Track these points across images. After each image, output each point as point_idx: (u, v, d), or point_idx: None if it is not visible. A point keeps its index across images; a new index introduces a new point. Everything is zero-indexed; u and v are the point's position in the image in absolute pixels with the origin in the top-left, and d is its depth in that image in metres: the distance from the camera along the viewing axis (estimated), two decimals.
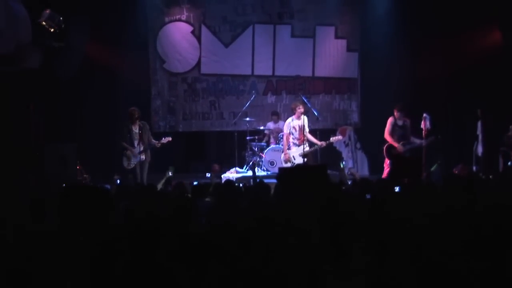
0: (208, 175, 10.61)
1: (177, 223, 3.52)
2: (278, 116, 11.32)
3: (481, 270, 3.01)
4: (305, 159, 9.44)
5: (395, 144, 9.15)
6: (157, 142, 9.35)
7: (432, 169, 9.00)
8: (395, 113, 9.29)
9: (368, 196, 4.82)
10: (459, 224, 3.48)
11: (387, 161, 9.33)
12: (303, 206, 3.86)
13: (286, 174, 5.03)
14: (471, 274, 3.00)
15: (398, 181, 5.76)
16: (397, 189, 5.46)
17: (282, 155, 9.76)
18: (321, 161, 9.96)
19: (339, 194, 4.79)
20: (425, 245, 3.23)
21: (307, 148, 9.42)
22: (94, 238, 3.09)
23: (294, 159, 9.53)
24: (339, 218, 3.39)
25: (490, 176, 8.03)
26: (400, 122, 9.27)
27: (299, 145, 9.51)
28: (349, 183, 7.49)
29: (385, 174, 9.21)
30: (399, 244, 3.26)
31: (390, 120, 9.31)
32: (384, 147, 9.35)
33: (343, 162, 10.77)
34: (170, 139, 9.42)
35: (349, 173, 10.38)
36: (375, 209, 3.91)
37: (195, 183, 7.36)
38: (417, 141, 9.16)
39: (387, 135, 9.29)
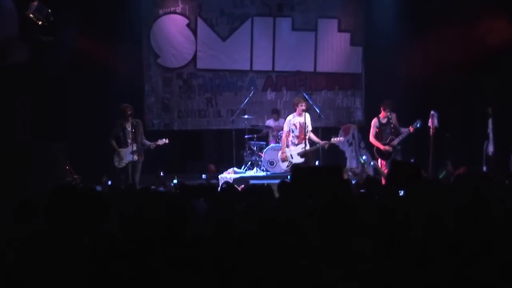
0: (204, 176, 10.62)
1: (172, 226, 3.53)
2: (279, 114, 11.33)
3: (488, 273, 3.03)
4: (304, 159, 9.43)
5: (381, 147, 9.29)
6: (152, 143, 9.33)
7: (441, 176, 9.05)
8: (381, 112, 9.39)
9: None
10: (466, 224, 3.51)
11: (382, 162, 9.49)
12: (304, 207, 3.87)
13: (301, 173, 5.10)
14: (478, 277, 3.02)
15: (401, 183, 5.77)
16: (401, 193, 5.47)
17: (279, 153, 9.77)
18: (323, 161, 9.97)
19: (348, 194, 4.82)
20: (432, 247, 3.25)
21: (307, 147, 9.42)
22: (86, 243, 3.09)
23: (292, 158, 9.52)
24: (342, 219, 3.41)
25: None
26: (384, 120, 9.38)
27: (297, 144, 9.50)
28: (353, 182, 7.51)
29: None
30: (404, 246, 3.28)
31: (373, 122, 9.48)
32: (374, 151, 9.54)
33: (364, 157, 10.81)
34: (167, 141, 9.36)
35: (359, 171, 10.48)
36: (380, 209, 3.94)
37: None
38: (404, 130, 9.25)
39: (371, 139, 9.47)
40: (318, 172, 5.45)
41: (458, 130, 11.01)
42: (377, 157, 9.58)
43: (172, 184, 9.12)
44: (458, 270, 3.06)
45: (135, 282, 3.00)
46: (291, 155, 9.54)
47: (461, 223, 3.52)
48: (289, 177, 8.96)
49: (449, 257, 3.17)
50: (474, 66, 10.59)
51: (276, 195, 5.24)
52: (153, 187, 7.53)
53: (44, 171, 9.08)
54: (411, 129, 9.14)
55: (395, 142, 9.28)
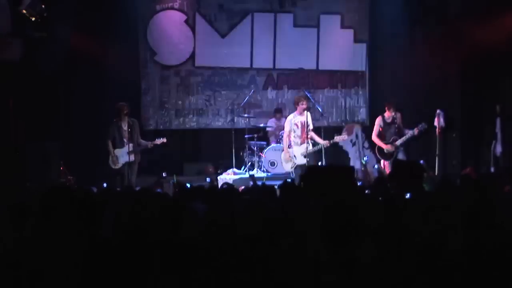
0: (208, 179, 10.56)
1: (168, 229, 3.52)
2: (282, 113, 11.30)
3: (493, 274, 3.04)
4: (307, 159, 9.42)
5: (383, 146, 9.32)
6: (150, 142, 9.32)
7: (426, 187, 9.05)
8: (386, 111, 9.43)
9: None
10: (472, 228, 3.52)
11: (385, 163, 9.53)
12: (306, 210, 3.87)
13: (313, 172, 5.13)
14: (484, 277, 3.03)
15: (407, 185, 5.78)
16: (407, 195, 5.47)
17: (283, 154, 9.75)
18: (326, 161, 9.95)
19: (357, 197, 4.83)
20: (437, 250, 3.25)
21: (309, 147, 9.41)
22: (79, 247, 3.08)
23: (295, 158, 9.51)
24: (345, 222, 3.40)
25: None
26: (388, 119, 9.41)
27: (300, 144, 9.49)
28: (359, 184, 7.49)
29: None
30: (409, 251, 3.28)
31: (377, 121, 9.55)
32: (376, 150, 9.60)
33: (365, 158, 10.81)
34: (165, 140, 9.36)
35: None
36: (387, 213, 3.93)
37: (187, 185, 7.37)
38: (409, 132, 9.29)
39: (374, 137, 9.53)
40: (331, 172, 5.45)
41: (465, 129, 10.98)
42: (379, 157, 9.61)
43: (171, 182, 9.11)
44: (464, 274, 3.06)
45: (131, 285, 2.99)
46: (294, 155, 9.53)
47: (467, 227, 3.52)
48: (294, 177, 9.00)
49: (454, 260, 3.17)
50: (482, 64, 10.57)
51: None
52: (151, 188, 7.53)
53: (37, 172, 9.08)
54: (415, 131, 9.17)
55: (398, 142, 9.30)
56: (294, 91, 11.76)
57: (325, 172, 5.40)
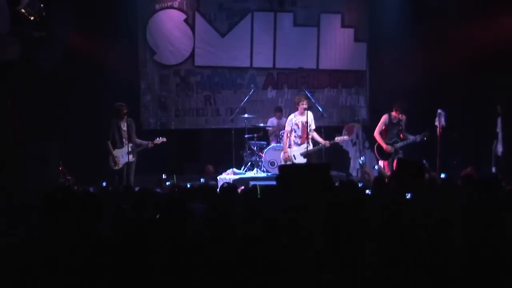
0: (202, 180, 10.56)
1: (168, 229, 3.52)
2: (282, 112, 11.30)
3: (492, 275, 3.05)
4: (307, 160, 9.42)
5: (384, 145, 9.31)
6: (150, 142, 9.34)
7: None
8: (393, 111, 9.43)
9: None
10: (473, 226, 3.52)
11: (384, 163, 9.53)
12: (307, 210, 3.88)
13: (287, 173, 5.14)
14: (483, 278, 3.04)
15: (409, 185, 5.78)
16: (408, 195, 5.49)
17: (282, 153, 9.75)
18: (326, 161, 9.95)
19: (340, 196, 4.83)
20: (438, 251, 3.25)
21: (310, 147, 9.41)
22: (79, 247, 3.09)
23: (295, 158, 9.50)
24: (346, 222, 3.40)
25: None
26: (394, 120, 9.42)
27: (300, 144, 9.49)
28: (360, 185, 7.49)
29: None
30: (410, 252, 3.28)
31: (383, 118, 9.53)
32: (375, 147, 9.58)
33: (362, 158, 10.80)
34: (164, 139, 9.40)
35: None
36: (387, 213, 3.94)
37: (187, 185, 7.38)
38: (411, 137, 9.30)
39: (376, 134, 9.51)
40: (305, 171, 5.47)
41: (466, 129, 10.99)
42: (377, 155, 9.57)
43: (167, 183, 9.09)
44: (465, 274, 3.07)
45: (130, 285, 3.00)
46: (293, 155, 9.52)
47: (468, 226, 3.53)
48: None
49: (455, 260, 3.18)
50: (483, 63, 10.57)
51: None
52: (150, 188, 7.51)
53: (37, 172, 9.08)
54: (418, 138, 9.19)
55: (398, 145, 9.30)
56: (294, 91, 11.77)
57: (300, 171, 5.40)
